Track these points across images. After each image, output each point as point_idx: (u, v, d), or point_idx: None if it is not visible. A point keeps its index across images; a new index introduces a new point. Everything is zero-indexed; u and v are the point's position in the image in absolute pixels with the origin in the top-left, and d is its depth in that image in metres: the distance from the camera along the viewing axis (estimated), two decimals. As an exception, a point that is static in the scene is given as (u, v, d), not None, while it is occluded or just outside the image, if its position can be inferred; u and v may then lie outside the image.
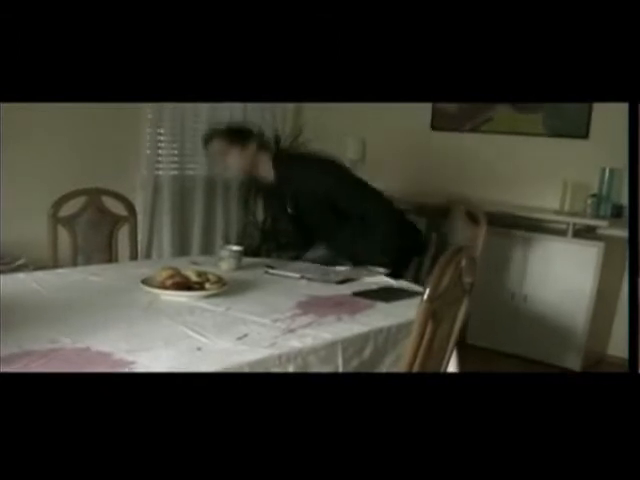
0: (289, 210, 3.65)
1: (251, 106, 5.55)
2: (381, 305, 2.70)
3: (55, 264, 3.29)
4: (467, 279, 2.20)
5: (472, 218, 3.95)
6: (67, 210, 3.44)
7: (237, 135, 3.53)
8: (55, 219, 3.38)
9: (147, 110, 5.00)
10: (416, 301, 2.04)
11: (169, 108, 5.12)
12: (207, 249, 5.37)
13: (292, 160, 3.79)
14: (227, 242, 5.07)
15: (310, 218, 3.66)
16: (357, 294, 2.84)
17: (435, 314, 2.01)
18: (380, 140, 5.66)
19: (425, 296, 1.98)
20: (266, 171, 3.58)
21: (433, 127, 5.53)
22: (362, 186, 3.62)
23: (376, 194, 3.63)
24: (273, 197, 3.91)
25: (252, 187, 5.40)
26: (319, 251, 3.64)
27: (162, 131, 5.15)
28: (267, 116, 5.64)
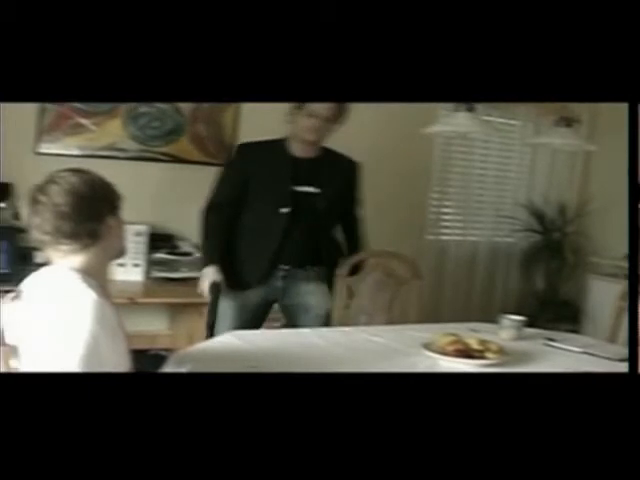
0: None
1: (537, 180, 5.59)
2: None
3: (340, 322, 3.42)
4: None
5: None
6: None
7: None
8: (342, 279, 3.52)
9: (434, 175, 5.11)
10: None
11: (456, 173, 5.21)
12: (485, 316, 5.34)
13: None
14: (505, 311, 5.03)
15: None
16: (643, 375, 2.71)
17: None
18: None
19: None
20: None
21: None
22: None
23: None
24: None
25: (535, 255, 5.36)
26: None
27: (448, 197, 5.24)
28: (553, 188, 5.60)
